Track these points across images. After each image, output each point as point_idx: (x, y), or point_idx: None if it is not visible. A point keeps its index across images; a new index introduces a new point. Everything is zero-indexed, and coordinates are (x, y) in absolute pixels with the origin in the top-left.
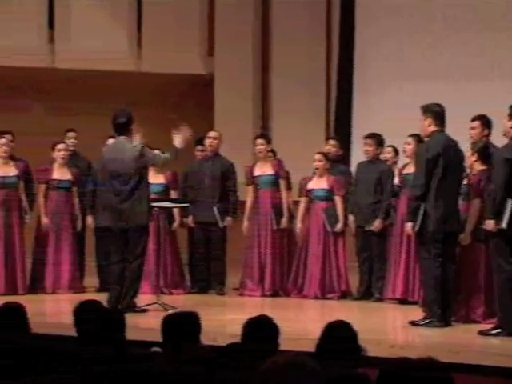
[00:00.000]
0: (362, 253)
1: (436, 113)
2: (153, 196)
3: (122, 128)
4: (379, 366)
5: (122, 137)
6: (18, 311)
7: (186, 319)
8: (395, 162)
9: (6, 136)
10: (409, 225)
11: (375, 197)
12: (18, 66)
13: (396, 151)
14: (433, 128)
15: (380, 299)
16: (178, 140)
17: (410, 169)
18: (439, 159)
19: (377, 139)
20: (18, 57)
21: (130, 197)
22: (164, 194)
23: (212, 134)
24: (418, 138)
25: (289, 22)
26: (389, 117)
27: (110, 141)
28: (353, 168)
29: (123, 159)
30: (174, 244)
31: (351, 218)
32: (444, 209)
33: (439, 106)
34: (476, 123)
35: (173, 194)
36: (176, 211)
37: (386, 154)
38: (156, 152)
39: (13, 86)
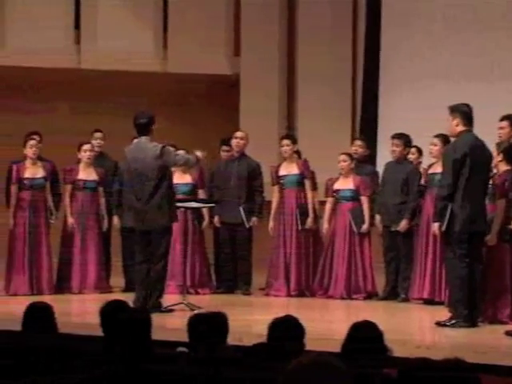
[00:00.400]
0: (388, 253)
1: (464, 113)
2: (180, 196)
3: (143, 128)
4: (399, 367)
5: (144, 137)
6: (45, 311)
7: (212, 319)
8: (419, 163)
9: (34, 137)
10: (436, 225)
11: (402, 197)
12: (45, 67)
13: (420, 151)
14: (461, 128)
15: (406, 299)
16: (199, 153)
17: (436, 169)
18: (466, 159)
19: (404, 139)
20: (45, 57)
21: (152, 198)
22: (192, 194)
23: (239, 134)
24: (443, 139)
25: (314, 22)
26: (414, 117)
27: (134, 141)
28: (378, 168)
29: (144, 159)
30: (201, 244)
31: (378, 218)
32: (470, 209)
33: (467, 105)
34: (505, 123)
35: (201, 193)
36: (205, 211)
37: (410, 154)
38: (181, 152)
39: (39, 86)
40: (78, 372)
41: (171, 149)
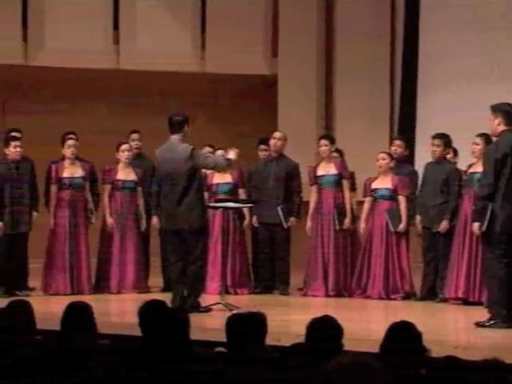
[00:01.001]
0: (427, 253)
1: (506, 112)
2: (221, 195)
3: (176, 126)
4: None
5: (176, 136)
6: (85, 311)
7: (250, 319)
8: (455, 163)
9: (72, 137)
10: (476, 225)
11: (442, 197)
12: (84, 68)
13: (455, 152)
14: (502, 127)
15: (444, 300)
16: (232, 153)
17: (476, 168)
18: (507, 159)
19: (445, 139)
20: (84, 57)
21: (183, 199)
22: (232, 194)
23: (277, 134)
24: (486, 138)
25: (353, 22)
26: (452, 117)
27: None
28: (417, 168)
29: (174, 160)
30: (242, 243)
31: (418, 218)
32: (510, 209)
33: (509, 105)
34: None
35: (241, 193)
36: (246, 210)
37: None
38: (219, 153)
39: (78, 87)
40: (117, 371)
41: (203, 151)
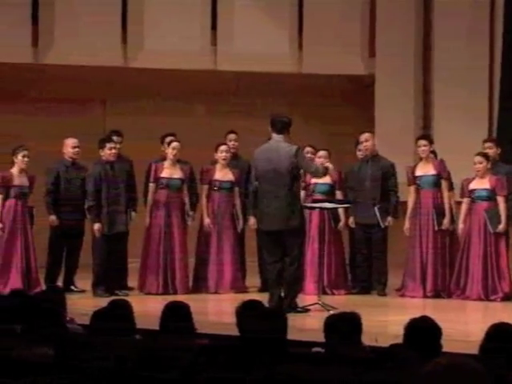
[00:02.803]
0: None
1: None
2: (318, 196)
3: (282, 127)
4: None
5: (279, 136)
6: (183, 310)
7: (348, 319)
8: None
9: (175, 139)
10: None
11: None
12: (182, 69)
13: None
14: None
15: None
16: (330, 165)
17: None
18: None
19: None
20: (182, 59)
21: (280, 199)
22: (329, 194)
23: (362, 137)
24: None
25: (451, 22)
26: None
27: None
28: None
29: (277, 158)
30: (338, 244)
31: None
32: None
33: None
34: None
35: (338, 194)
36: (341, 211)
37: None
38: (318, 161)
39: (176, 88)
40: (216, 370)
41: (305, 150)
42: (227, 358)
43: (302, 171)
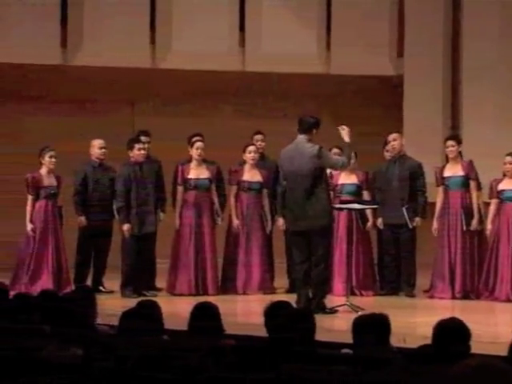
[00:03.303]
0: None
1: None
2: (345, 196)
3: (306, 126)
4: None
5: (303, 136)
6: (212, 311)
7: (376, 320)
8: None
9: (200, 139)
10: None
11: None
12: (210, 70)
13: None
14: None
15: None
16: (345, 135)
17: None
18: None
19: None
20: (210, 60)
21: (307, 199)
22: (357, 194)
23: (390, 137)
24: None
25: (480, 22)
26: None
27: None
28: None
29: (301, 158)
30: (366, 245)
31: None
32: None
33: None
34: None
35: (365, 195)
36: (369, 212)
37: None
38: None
39: (204, 89)
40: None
41: (332, 151)
42: (255, 358)
43: (328, 171)
